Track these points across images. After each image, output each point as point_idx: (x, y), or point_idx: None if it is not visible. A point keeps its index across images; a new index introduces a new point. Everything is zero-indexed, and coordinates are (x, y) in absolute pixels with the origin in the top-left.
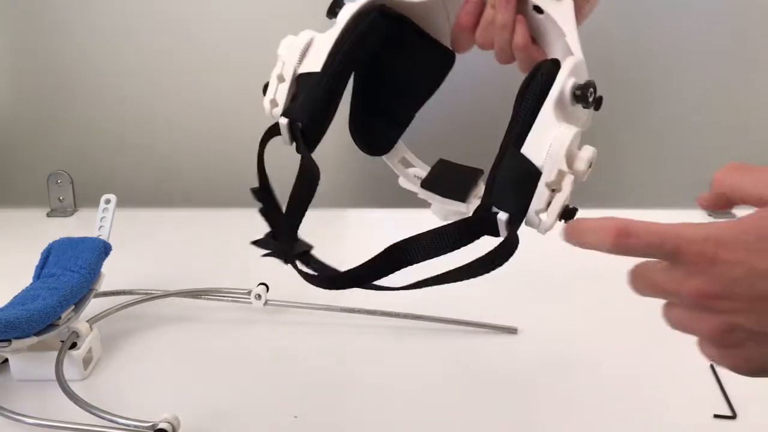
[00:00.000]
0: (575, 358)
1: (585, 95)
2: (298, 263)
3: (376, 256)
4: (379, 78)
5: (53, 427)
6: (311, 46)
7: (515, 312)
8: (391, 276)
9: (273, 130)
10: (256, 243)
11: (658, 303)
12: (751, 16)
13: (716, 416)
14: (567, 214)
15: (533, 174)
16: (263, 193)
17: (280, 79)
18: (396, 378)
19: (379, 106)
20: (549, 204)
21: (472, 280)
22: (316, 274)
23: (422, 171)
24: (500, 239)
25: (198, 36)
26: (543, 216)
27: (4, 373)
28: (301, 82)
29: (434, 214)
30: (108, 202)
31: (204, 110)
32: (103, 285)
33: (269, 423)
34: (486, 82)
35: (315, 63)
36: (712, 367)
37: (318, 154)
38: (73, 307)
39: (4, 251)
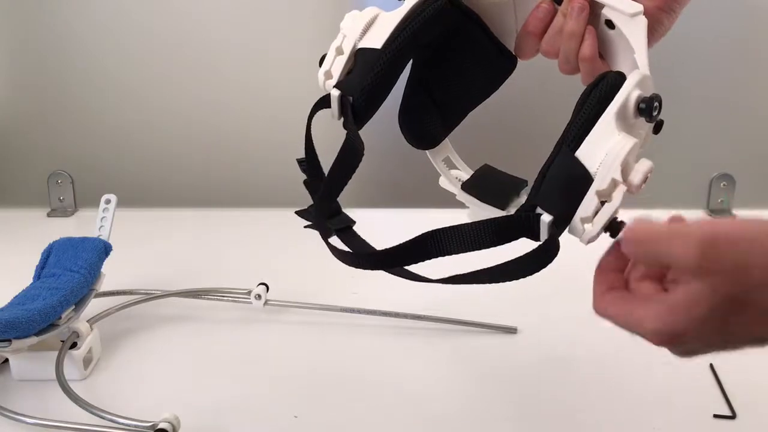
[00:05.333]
0: (575, 358)
1: (650, 108)
2: (337, 238)
3: (409, 241)
4: (437, 69)
5: (53, 427)
6: (375, 23)
7: (515, 312)
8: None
9: (323, 102)
10: (299, 213)
11: None
12: (751, 15)
13: (716, 416)
14: (613, 227)
15: (584, 179)
16: (309, 164)
17: (339, 51)
18: (396, 378)
19: (434, 98)
20: (596, 213)
21: None
22: (347, 250)
23: (464, 174)
24: (538, 243)
25: (199, 36)
26: (588, 225)
27: (4, 373)
28: (359, 57)
29: (468, 219)
30: (108, 202)
31: (204, 110)
32: (103, 285)
33: (269, 423)
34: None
35: (377, 40)
36: (711, 367)
37: (319, 154)
38: (73, 307)
39: (4, 251)
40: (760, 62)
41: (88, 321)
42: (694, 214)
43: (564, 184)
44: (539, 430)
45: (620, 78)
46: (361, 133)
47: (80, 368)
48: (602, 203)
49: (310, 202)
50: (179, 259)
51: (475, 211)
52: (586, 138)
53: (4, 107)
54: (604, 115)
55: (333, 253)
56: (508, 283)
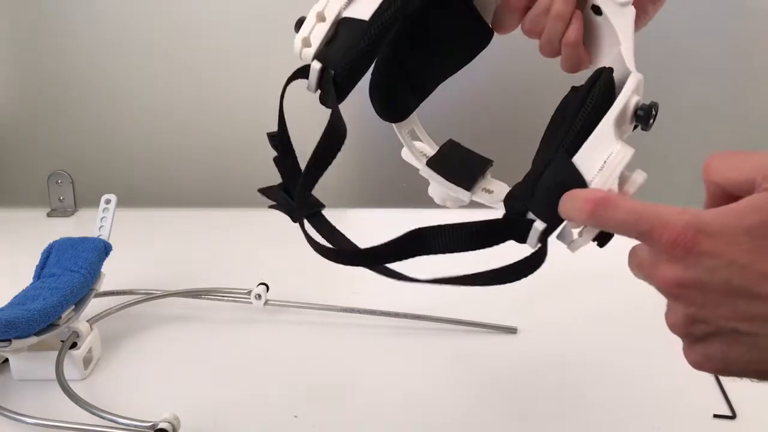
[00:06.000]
0: (575, 358)
1: (648, 116)
2: (307, 223)
3: (397, 238)
4: (412, 39)
5: (53, 427)
6: None
7: (515, 312)
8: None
9: (300, 72)
10: (263, 191)
11: (658, 303)
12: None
13: (716, 416)
14: (603, 238)
15: (581, 186)
16: (281, 140)
17: (320, 18)
18: (396, 378)
19: (406, 69)
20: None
21: None
22: (327, 245)
23: (429, 148)
24: (529, 248)
25: (199, 36)
26: (576, 234)
27: (4, 373)
28: (342, 27)
29: (431, 195)
30: (108, 202)
31: (204, 110)
32: (103, 285)
33: (269, 423)
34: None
35: (363, 10)
36: None
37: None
38: (73, 307)
39: (4, 251)
40: (757, 63)
41: (88, 321)
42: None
43: (558, 192)
44: (539, 429)
45: (613, 79)
46: (361, 132)
47: (80, 368)
48: None
49: None
50: (179, 259)
51: (438, 190)
52: (584, 144)
53: (4, 107)
54: (603, 121)
55: (313, 248)
56: (508, 283)
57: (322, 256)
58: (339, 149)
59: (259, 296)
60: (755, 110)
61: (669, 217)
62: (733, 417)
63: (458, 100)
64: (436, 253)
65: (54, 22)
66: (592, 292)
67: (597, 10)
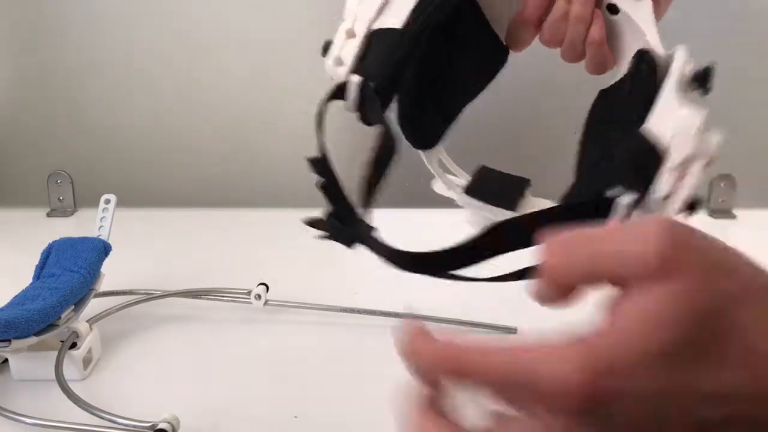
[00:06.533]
0: None
1: (706, 78)
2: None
3: (476, 237)
4: (434, 61)
5: (53, 427)
6: (389, 2)
7: (515, 312)
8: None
9: (337, 93)
10: (312, 224)
11: None
12: (752, 16)
13: None
14: (692, 204)
15: (658, 155)
16: (323, 164)
17: (350, 34)
18: (396, 378)
19: (432, 93)
20: (673, 191)
21: None
22: (402, 249)
23: (459, 178)
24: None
25: (199, 37)
26: (667, 204)
27: (4, 373)
28: (373, 39)
29: (468, 223)
30: (108, 202)
31: (204, 110)
32: (103, 285)
33: (269, 423)
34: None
35: (393, 20)
36: None
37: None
38: (73, 307)
39: (4, 251)
40: (761, 61)
41: (87, 321)
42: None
43: (636, 163)
44: None
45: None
46: (361, 132)
47: (80, 368)
48: (678, 178)
49: (308, 200)
50: (179, 259)
51: (478, 216)
52: (652, 115)
53: (4, 108)
54: (665, 88)
55: (385, 256)
56: (508, 282)
57: (397, 267)
58: (392, 164)
59: (259, 296)
60: (756, 110)
61: (556, 366)
62: None
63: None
64: (517, 249)
65: (54, 22)
66: (593, 292)
67: (612, 9)
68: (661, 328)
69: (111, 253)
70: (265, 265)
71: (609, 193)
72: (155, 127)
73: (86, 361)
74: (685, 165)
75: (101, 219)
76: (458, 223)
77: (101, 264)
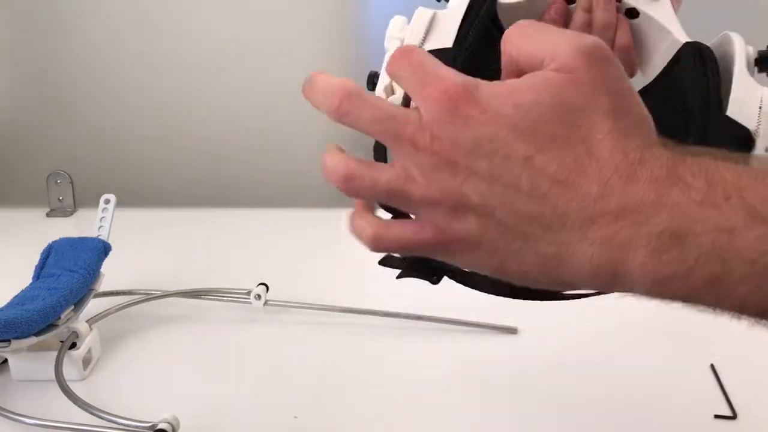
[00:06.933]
0: (575, 358)
1: None
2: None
3: None
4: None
5: (53, 427)
6: (435, 22)
7: (515, 312)
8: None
9: None
10: (387, 263)
11: (659, 303)
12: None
13: (716, 416)
14: None
15: (746, 138)
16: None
17: None
18: (396, 378)
19: None
20: None
21: None
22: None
23: None
24: None
25: (198, 37)
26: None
27: (4, 373)
28: None
29: None
30: (108, 202)
31: (204, 111)
32: (103, 285)
33: (269, 423)
34: None
35: (444, 39)
36: (712, 367)
37: (316, 153)
38: (72, 307)
39: (3, 251)
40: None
41: (87, 321)
42: None
43: (730, 148)
44: (539, 429)
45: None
46: (360, 132)
47: (79, 368)
48: None
49: (308, 200)
50: (179, 259)
51: None
52: (731, 96)
53: (4, 108)
54: (736, 72)
55: (473, 286)
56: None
57: (497, 294)
58: None
59: (258, 296)
60: None
61: (445, 73)
62: (733, 417)
63: None
64: None
65: (54, 23)
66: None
67: (631, 14)
68: (525, 92)
69: (111, 253)
70: (265, 265)
71: None
72: (155, 127)
73: (86, 361)
74: None
75: (101, 219)
76: None
77: (101, 264)
